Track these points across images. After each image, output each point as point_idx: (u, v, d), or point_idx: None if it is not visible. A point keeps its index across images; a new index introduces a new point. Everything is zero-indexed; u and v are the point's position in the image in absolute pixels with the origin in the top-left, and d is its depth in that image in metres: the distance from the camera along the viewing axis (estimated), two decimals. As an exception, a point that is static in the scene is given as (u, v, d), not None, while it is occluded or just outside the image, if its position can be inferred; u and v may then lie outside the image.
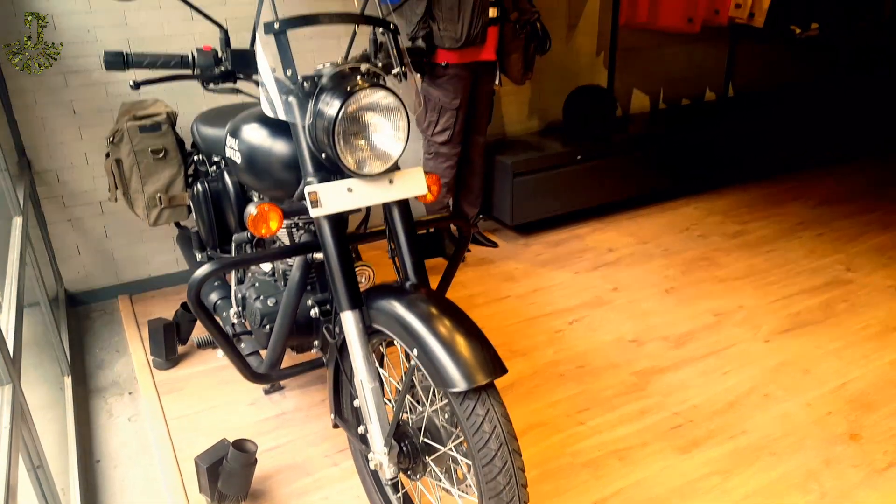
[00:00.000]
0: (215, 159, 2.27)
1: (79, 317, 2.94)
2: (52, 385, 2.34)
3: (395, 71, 1.57)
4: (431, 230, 3.06)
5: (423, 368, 1.33)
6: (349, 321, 1.49)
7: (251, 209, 1.46)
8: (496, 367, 1.29)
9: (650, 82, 4.30)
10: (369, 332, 1.52)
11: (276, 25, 1.39)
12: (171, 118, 2.38)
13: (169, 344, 2.49)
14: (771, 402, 2.23)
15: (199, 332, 2.54)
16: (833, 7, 4.28)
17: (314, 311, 1.84)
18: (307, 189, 1.43)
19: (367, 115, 1.43)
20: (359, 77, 1.45)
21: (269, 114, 1.42)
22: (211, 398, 2.34)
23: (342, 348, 1.65)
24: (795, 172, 4.48)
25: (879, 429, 2.09)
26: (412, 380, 1.52)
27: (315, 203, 1.44)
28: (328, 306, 1.87)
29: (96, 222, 2.92)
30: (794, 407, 2.21)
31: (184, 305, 2.55)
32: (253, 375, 1.79)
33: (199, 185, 2.19)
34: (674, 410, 2.21)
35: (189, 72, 1.50)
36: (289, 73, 1.40)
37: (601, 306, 2.88)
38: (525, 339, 2.65)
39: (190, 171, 2.43)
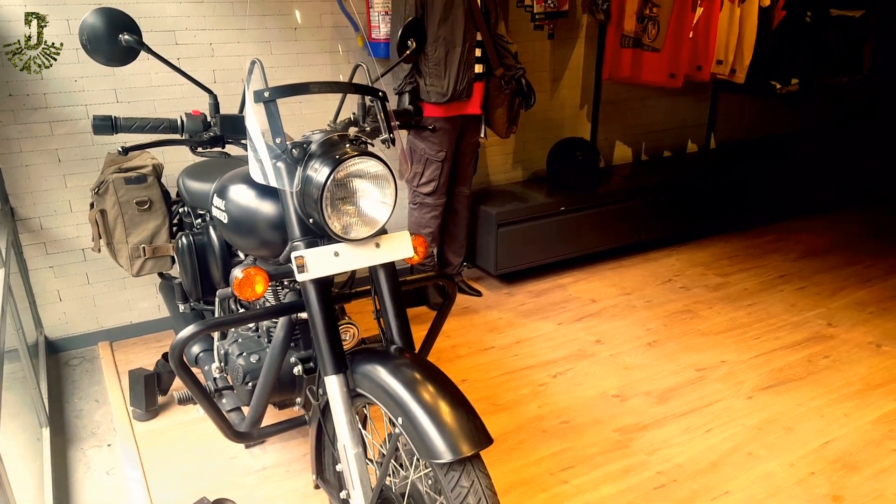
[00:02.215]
0: (200, 212, 2.27)
1: (59, 363, 2.89)
2: (30, 436, 2.29)
3: (382, 137, 1.60)
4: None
5: (407, 437, 1.32)
6: (333, 386, 1.48)
7: (237, 272, 1.46)
8: (482, 437, 1.28)
9: (632, 134, 4.39)
10: (353, 395, 1.51)
11: (267, 94, 1.41)
12: (157, 170, 2.39)
13: (149, 395, 2.46)
14: (754, 462, 2.23)
15: (181, 384, 2.51)
16: (813, 63, 4.41)
17: (297, 369, 1.83)
18: (294, 254, 1.44)
19: (355, 181, 1.45)
20: (347, 144, 1.47)
21: (258, 179, 1.43)
22: (191, 452, 2.30)
23: (325, 409, 1.64)
24: (776, 223, 4.56)
25: (861, 490, 2.10)
26: (396, 444, 1.51)
27: (301, 268, 1.44)
28: (311, 364, 1.86)
29: (78, 269, 2.90)
30: (777, 467, 2.21)
31: (165, 356, 2.52)
32: (234, 434, 1.77)
33: (183, 239, 2.18)
34: (657, 469, 2.20)
35: (178, 136, 1.51)
36: (278, 140, 1.42)
37: (584, 359, 2.89)
38: (508, 393, 2.64)
39: (175, 221, 2.43)
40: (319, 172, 1.41)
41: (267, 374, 1.75)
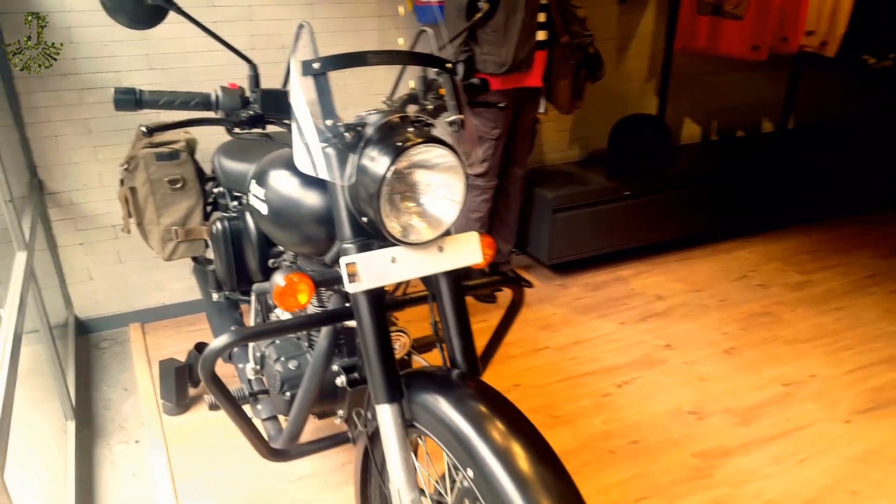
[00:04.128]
0: (236, 194, 2.05)
1: (88, 345, 2.73)
2: (55, 428, 2.14)
3: (451, 118, 1.33)
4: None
5: (479, 496, 1.08)
6: (386, 417, 1.24)
7: (279, 279, 1.23)
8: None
9: (703, 112, 4.01)
10: (408, 424, 1.28)
11: (317, 65, 1.15)
12: (191, 146, 2.17)
13: (180, 388, 2.27)
14: (860, 502, 1.94)
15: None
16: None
17: (341, 381, 1.60)
18: (344, 260, 1.19)
19: (419, 173, 1.19)
20: (411, 128, 1.21)
21: (305, 170, 1.18)
22: (223, 453, 2.11)
23: (374, 436, 1.42)
24: (862, 215, 4.13)
25: None
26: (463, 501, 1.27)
27: (353, 276, 1.20)
28: (356, 375, 1.63)
29: (110, 247, 2.72)
30: (886, 509, 1.92)
31: (197, 347, 2.33)
32: (270, 452, 1.56)
33: (218, 224, 1.96)
34: (745, 505, 1.93)
35: (211, 114, 1.26)
36: (329, 122, 1.16)
37: (653, 367, 2.61)
38: (568, 403, 2.38)
39: (210, 200, 2.22)
40: (377, 162, 1.15)
41: (307, 387, 1.53)
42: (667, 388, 2.48)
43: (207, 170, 2.26)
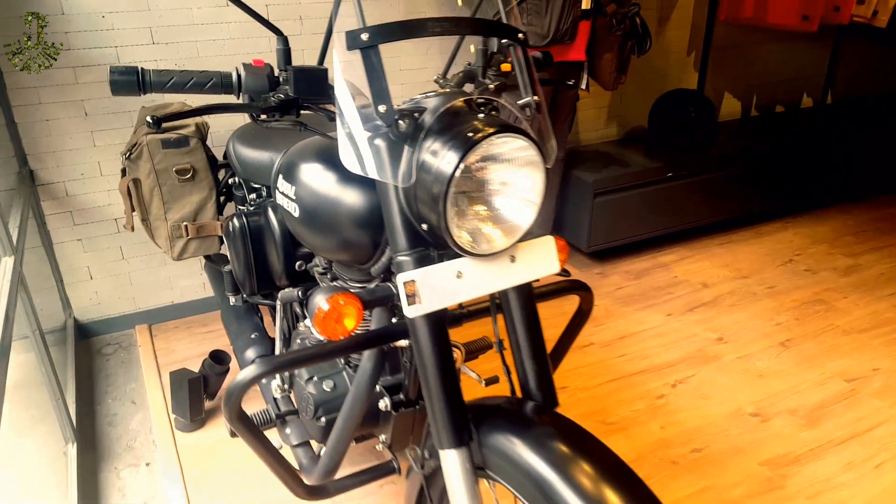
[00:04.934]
0: (255, 185, 1.82)
1: (91, 350, 2.52)
2: (52, 452, 1.93)
3: (523, 100, 1.09)
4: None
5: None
6: (453, 464, 1.03)
7: (321, 302, 1.00)
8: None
9: (744, 86, 3.75)
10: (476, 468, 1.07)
11: (365, 37, 0.91)
12: (202, 130, 1.93)
13: (195, 402, 2.06)
14: (957, 520, 1.75)
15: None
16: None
17: (384, 404, 1.40)
18: (401, 278, 0.97)
19: (492, 169, 0.97)
20: (479, 115, 0.98)
21: (354, 169, 0.95)
22: (243, 477, 1.90)
23: (432, 475, 1.21)
24: (903, 192, 3.92)
25: None
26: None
27: (412, 297, 0.98)
28: (401, 395, 1.43)
29: (111, 242, 2.49)
30: None
31: (212, 356, 2.11)
32: (305, 491, 1.35)
33: (235, 221, 1.72)
34: (828, 524, 1.74)
35: (232, 98, 1.03)
36: (382, 108, 0.93)
37: (707, 363, 2.40)
38: (621, 408, 2.18)
39: (222, 189, 1.99)
40: (443, 158, 0.93)
41: (348, 415, 1.31)
42: (724, 386, 2.27)
43: (218, 154, 2.03)
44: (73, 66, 2.22)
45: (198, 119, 1.94)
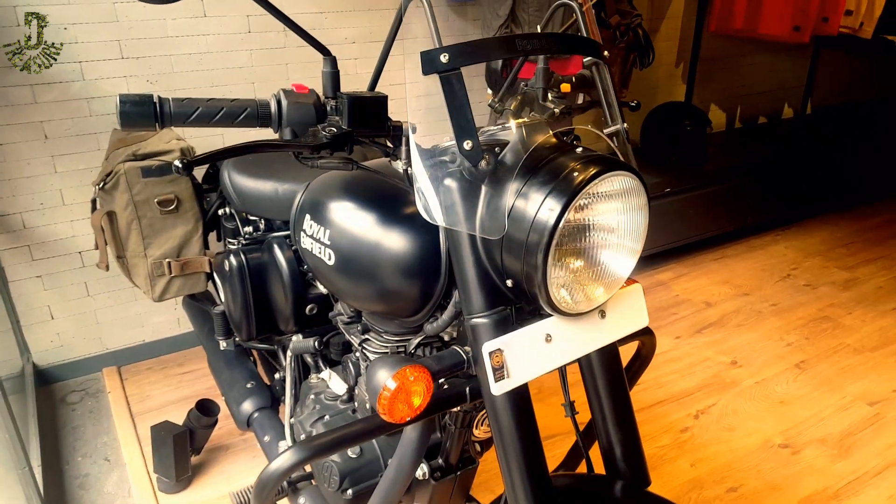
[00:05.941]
0: (252, 218, 1.62)
1: (53, 399, 2.25)
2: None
3: (609, 129, 0.94)
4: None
5: None
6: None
7: (386, 380, 0.82)
8: None
9: (729, 98, 3.71)
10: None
11: (444, 58, 0.74)
12: (186, 155, 1.71)
13: (180, 459, 1.83)
14: None
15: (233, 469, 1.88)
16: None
17: (422, 472, 1.22)
18: (487, 348, 0.81)
19: (597, 211, 0.81)
20: (576, 150, 0.82)
21: (433, 219, 0.78)
22: (241, 546, 1.68)
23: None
24: (883, 200, 3.91)
25: None
26: None
27: (500, 370, 0.81)
28: (440, 460, 1.25)
29: (75, 277, 2.23)
30: None
31: (198, 406, 1.88)
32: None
33: (232, 259, 1.52)
34: (882, 568, 1.63)
35: (272, 134, 0.84)
36: (467, 145, 0.76)
37: (725, 390, 2.29)
38: (646, 443, 2.01)
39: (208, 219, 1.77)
40: (541, 204, 0.76)
41: (387, 493, 1.11)
42: (748, 415, 2.16)
43: (198, 175, 1.81)
44: (31, 83, 1.97)
45: (181, 143, 1.72)
